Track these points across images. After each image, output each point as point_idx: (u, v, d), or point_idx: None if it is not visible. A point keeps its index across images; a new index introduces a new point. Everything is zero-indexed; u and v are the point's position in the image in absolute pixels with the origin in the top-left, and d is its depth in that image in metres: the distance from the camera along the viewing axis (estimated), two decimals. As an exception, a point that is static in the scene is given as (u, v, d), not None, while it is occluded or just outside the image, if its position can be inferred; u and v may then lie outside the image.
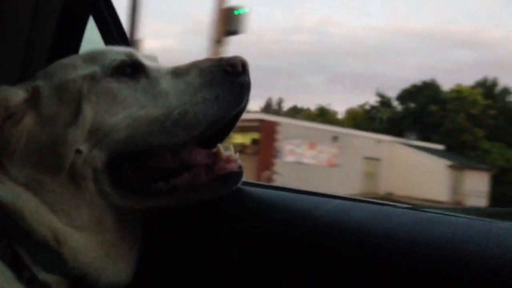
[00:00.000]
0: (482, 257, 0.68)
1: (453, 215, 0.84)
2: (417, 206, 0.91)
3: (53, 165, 0.92)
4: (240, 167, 0.98)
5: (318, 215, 0.89)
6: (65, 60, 1.03)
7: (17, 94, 0.94)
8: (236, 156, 0.99)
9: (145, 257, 1.00)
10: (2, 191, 0.90)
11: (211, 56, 1.00)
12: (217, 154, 0.98)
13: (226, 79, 0.95)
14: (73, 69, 0.98)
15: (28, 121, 0.94)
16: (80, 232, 0.91)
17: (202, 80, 0.95)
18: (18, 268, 0.85)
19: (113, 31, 1.51)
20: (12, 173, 0.92)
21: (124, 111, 0.94)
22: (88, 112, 0.92)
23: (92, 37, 1.52)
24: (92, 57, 1.00)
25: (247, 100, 0.98)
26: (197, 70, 0.97)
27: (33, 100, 0.95)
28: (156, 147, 0.94)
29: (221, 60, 0.97)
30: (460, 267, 0.69)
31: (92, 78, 0.96)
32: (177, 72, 0.99)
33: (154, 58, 1.08)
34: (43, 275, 0.87)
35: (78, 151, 0.91)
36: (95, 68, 0.97)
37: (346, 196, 1.03)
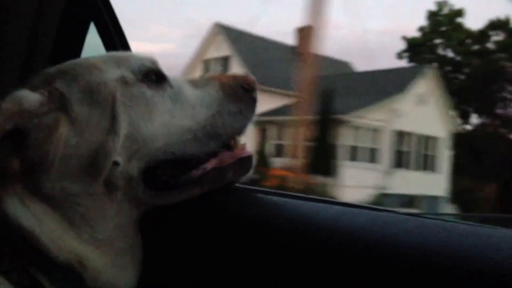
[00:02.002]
0: (484, 264, 0.68)
1: (454, 222, 0.85)
2: (419, 213, 0.91)
3: (88, 176, 0.88)
4: (250, 151, 1.05)
5: (319, 221, 0.89)
6: (85, 61, 0.98)
7: (33, 97, 0.88)
8: (244, 144, 1.06)
9: (147, 262, 0.99)
10: (22, 216, 0.84)
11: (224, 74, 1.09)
12: (233, 141, 1.04)
13: (245, 94, 1.03)
14: (98, 71, 0.94)
15: (63, 129, 0.88)
16: (99, 248, 0.89)
17: (225, 94, 1.02)
18: None
19: (114, 37, 1.51)
20: (45, 189, 0.86)
21: (158, 119, 0.93)
22: (124, 118, 0.90)
23: (93, 43, 1.53)
24: (115, 60, 0.97)
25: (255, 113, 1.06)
26: (217, 84, 1.02)
27: (59, 103, 0.89)
28: (189, 156, 0.96)
29: (236, 77, 1.05)
30: (461, 273, 0.69)
31: (123, 82, 0.93)
32: (196, 84, 1.03)
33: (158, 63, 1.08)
34: None
35: (115, 163, 0.88)
36: (123, 72, 0.94)
37: (347, 202, 1.03)
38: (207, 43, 26.88)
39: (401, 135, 22.39)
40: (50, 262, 0.84)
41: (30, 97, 0.87)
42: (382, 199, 19.25)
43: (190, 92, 1.00)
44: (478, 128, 32.73)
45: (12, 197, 0.85)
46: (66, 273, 0.84)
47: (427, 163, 23.64)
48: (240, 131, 1.03)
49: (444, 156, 23.76)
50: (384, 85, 21.66)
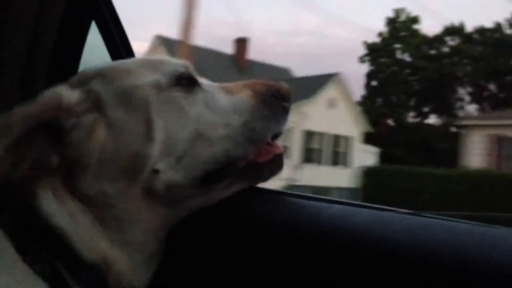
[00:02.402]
0: (485, 263, 0.69)
1: (456, 221, 0.85)
2: (420, 212, 0.93)
3: (126, 181, 0.88)
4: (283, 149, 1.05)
5: (321, 220, 0.89)
6: (121, 65, 0.99)
7: (71, 94, 0.89)
8: (277, 143, 1.06)
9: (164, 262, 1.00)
10: (56, 213, 0.85)
11: (256, 79, 1.08)
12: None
13: (276, 102, 1.03)
14: (133, 75, 0.95)
15: (101, 132, 0.89)
16: (128, 252, 0.89)
17: (257, 100, 1.01)
18: (57, 286, 0.81)
19: (116, 37, 1.51)
20: (82, 189, 0.87)
21: (192, 124, 0.93)
22: (159, 123, 0.90)
23: (95, 43, 1.52)
24: (150, 64, 0.98)
25: (287, 123, 1.06)
26: (250, 91, 1.02)
27: (95, 104, 0.90)
28: (231, 162, 0.96)
29: (270, 85, 1.04)
30: (462, 272, 0.70)
31: (157, 86, 0.93)
32: (229, 89, 1.03)
33: (191, 68, 1.06)
34: None
35: (155, 171, 0.89)
36: (157, 77, 0.95)
37: (348, 201, 1.04)
38: (149, 55, 26.86)
39: (311, 134, 25.25)
40: (77, 260, 0.84)
41: (69, 95, 0.89)
42: (292, 190, 20.01)
43: (223, 97, 1.01)
44: (435, 126, 36.22)
45: (47, 192, 0.86)
46: (91, 272, 0.85)
47: (338, 159, 26.81)
48: (277, 135, 1.03)
49: (357, 152, 26.69)
50: (298, 90, 23.66)
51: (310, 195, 1.09)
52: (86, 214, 0.87)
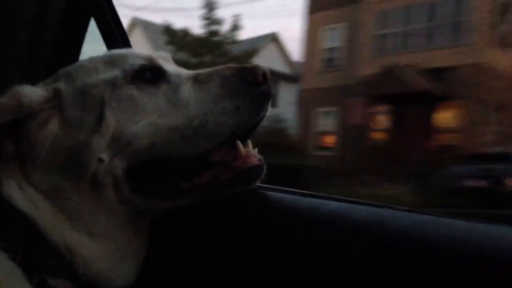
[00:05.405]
0: (481, 260, 0.68)
1: (454, 218, 0.84)
2: (418, 209, 0.91)
3: (74, 173, 0.91)
4: (260, 160, 0.98)
5: (320, 217, 0.89)
6: (87, 62, 1.01)
7: (35, 93, 0.93)
8: (255, 151, 0.99)
9: (152, 257, 1.00)
10: (19, 199, 0.88)
11: (231, 64, 1.00)
12: (236, 151, 0.96)
13: (248, 89, 0.95)
14: (95, 72, 0.97)
15: (54, 125, 0.92)
16: (95, 240, 0.91)
17: (224, 89, 0.95)
18: (29, 270, 0.83)
19: (115, 33, 1.51)
20: (33, 180, 0.90)
21: (145, 119, 0.92)
22: (111, 119, 0.91)
23: (94, 39, 1.53)
24: (113, 60, 0.99)
25: (266, 109, 0.97)
26: (219, 79, 0.96)
27: (56, 102, 0.94)
28: (177, 156, 0.92)
29: (242, 69, 0.97)
30: (458, 269, 0.69)
31: (113, 84, 0.94)
32: (198, 79, 0.98)
33: (167, 58, 1.07)
34: (53, 280, 0.85)
35: (100, 160, 0.90)
36: (115, 73, 0.96)
37: (346, 198, 1.03)
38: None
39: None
40: (45, 245, 0.87)
41: (32, 93, 0.93)
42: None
43: (188, 89, 0.97)
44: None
45: (9, 179, 0.90)
46: (59, 257, 0.87)
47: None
48: (236, 130, 0.94)
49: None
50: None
51: (308, 192, 1.08)
52: (45, 202, 0.90)
